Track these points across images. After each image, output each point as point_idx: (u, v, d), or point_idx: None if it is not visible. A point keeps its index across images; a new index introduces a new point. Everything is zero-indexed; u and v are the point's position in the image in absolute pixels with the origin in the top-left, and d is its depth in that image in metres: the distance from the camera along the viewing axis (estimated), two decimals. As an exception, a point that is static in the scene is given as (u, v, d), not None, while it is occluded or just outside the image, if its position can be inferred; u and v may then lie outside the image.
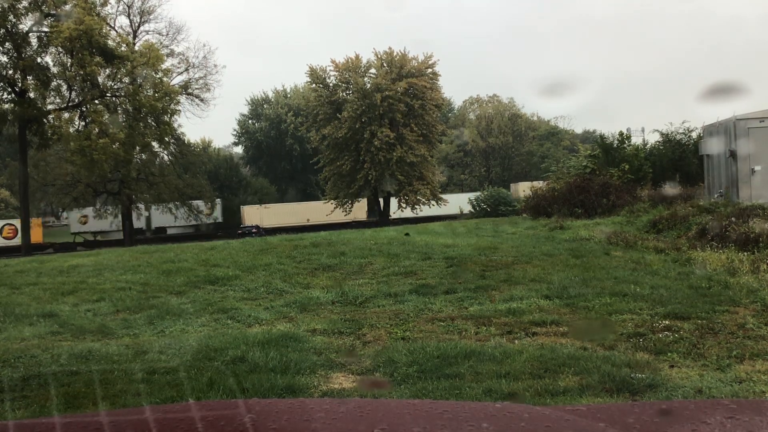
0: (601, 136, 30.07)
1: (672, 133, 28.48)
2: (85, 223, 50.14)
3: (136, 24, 41.75)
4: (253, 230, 45.04)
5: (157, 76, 37.93)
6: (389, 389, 5.31)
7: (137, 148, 39.00)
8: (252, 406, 1.67)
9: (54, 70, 36.24)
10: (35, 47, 35.51)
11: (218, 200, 49.75)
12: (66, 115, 36.64)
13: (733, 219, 12.99)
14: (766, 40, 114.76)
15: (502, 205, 36.60)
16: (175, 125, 41.66)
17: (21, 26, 34.69)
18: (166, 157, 44.01)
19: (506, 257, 12.03)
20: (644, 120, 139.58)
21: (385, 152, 43.46)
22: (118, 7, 40.59)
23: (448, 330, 7.38)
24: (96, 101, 36.71)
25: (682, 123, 27.14)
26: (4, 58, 35.03)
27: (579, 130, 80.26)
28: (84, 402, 4.98)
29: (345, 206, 47.13)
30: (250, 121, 69.62)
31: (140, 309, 9.26)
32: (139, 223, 49.06)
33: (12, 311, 9.12)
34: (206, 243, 18.47)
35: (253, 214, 51.53)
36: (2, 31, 33.80)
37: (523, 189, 43.53)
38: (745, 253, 10.86)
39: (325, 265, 12.26)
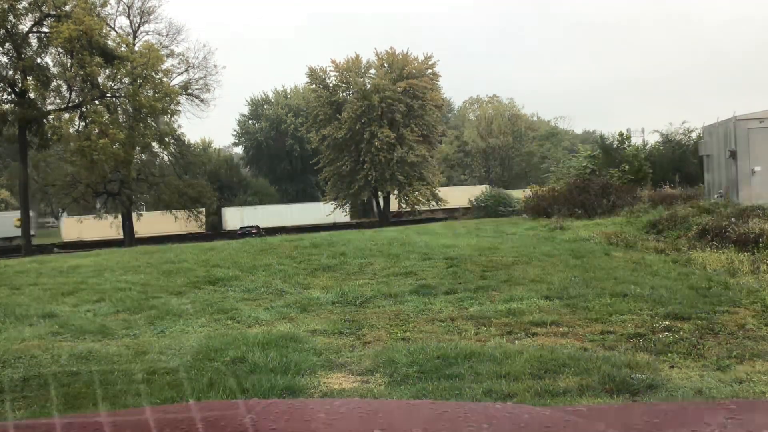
0: (601, 137, 30.12)
1: (672, 133, 28.59)
2: None
3: (136, 24, 41.71)
4: (253, 230, 45.02)
5: (157, 76, 37.91)
6: (389, 390, 5.31)
7: (137, 148, 38.98)
8: (252, 406, 1.67)
9: (54, 70, 36.23)
10: (35, 48, 35.49)
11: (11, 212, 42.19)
12: (66, 115, 36.60)
13: (733, 219, 12.99)
14: (765, 40, 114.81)
15: (501, 205, 36.63)
16: (176, 126, 41.67)
17: (21, 27, 34.70)
18: (166, 158, 43.99)
19: (506, 258, 12.03)
20: (644, 120, 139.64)
21: (386, 153, 43.47)
22: (118, 7, 40.57)
23: (448, 330, 7.38)
24: (96, 102, 36.69)
25: (682, 123, 27.36)
26: (4, 59, 35.05)
27: (579, 131, 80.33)
28: (84, 402, 4.98)
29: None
30: (250, 122, 69.63)
31: (140, 309, 9.26)
32: None
33: (12, 312, 9.12)
34: (206, 243, 18.42)
35: (72, 227, 46.05)
36: (2, 31, 33.79)
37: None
38: (745, 254, 10.87)
39: (325, 266, 12.26)
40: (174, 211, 42.60)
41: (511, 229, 18.30)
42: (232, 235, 40.80)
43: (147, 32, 42.02)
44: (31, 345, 7.30)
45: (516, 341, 6.75)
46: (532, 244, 13.97)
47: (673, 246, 12.75)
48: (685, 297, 8.23)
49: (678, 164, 26.46)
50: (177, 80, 42.00)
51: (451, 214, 43.94)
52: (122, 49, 36.86)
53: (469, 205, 38.64)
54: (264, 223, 48.39)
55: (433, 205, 47.12)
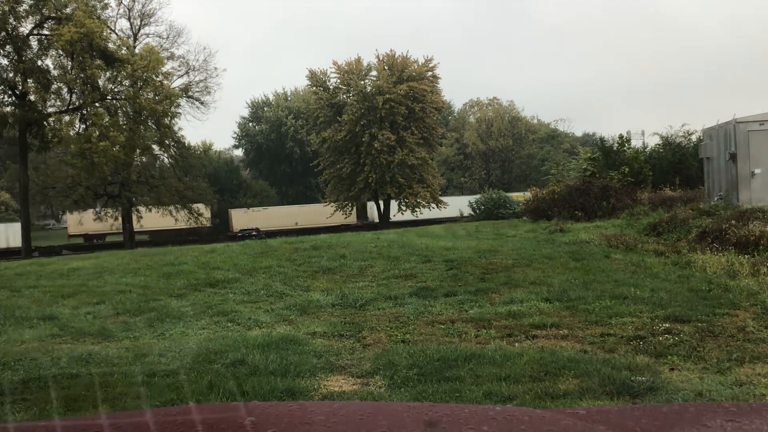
0: (601, 139, 30.08)
1: (672, 136, 28.56)
2: None
3: (137, 27, 41.80)
4: (253, 233, 45.02)
5: (158, 79, 37.96)
6: (389, 392, 5.30)
7: (137, 151, 39.01)
8: (252, 408, 1.67)
9: (54, 73, 36.27)
10: (36, 50, 35.54)
11: None
12: (66, 118, 36.65)
13: (733, 222, 12.98)
14: (765, 42, 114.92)
15: (501, 208, 36.64)
16: (176, 128, 41.70)
17: (21, 29, 34.75)
18: (166, 160, 44.01)
19: (506, 260, 12.02)
20: (644, 123, 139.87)
21: (386, 155, 43.51)
22: (119, 10, 40.68)
23: (448, 333, 7.37)
24: (96, 104, 36.73)
25: (682, 126, 27.27)
26: (5, 61, 35.12)
27: (579, 133, 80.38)
28: (84, 405, 4.98)
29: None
30: (250, 124, 69.75)
31: (140, 312, 9.25)
32: None
33: (12, 314, 9.12)
34: (206, 246, 18.47)
35: None
36: (3, 34, 33.83)
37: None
38: (745, 256, 10.86)
39: (325, 268, 12.25)
40: None
41: (511, 231, 18.30)
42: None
43: (147, 35, 42.16)
44: (31, 347, 7.30)
45: (516, 343, 6.74)
46: (532, 247, 13.96)
47: (673, 248, 12.74)
48: (685, 299, 8.23)
49: (678, 167, 26.44)
50: (177, 83, 42.11)
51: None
52: (123, 51, 36.92)
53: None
54: None
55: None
